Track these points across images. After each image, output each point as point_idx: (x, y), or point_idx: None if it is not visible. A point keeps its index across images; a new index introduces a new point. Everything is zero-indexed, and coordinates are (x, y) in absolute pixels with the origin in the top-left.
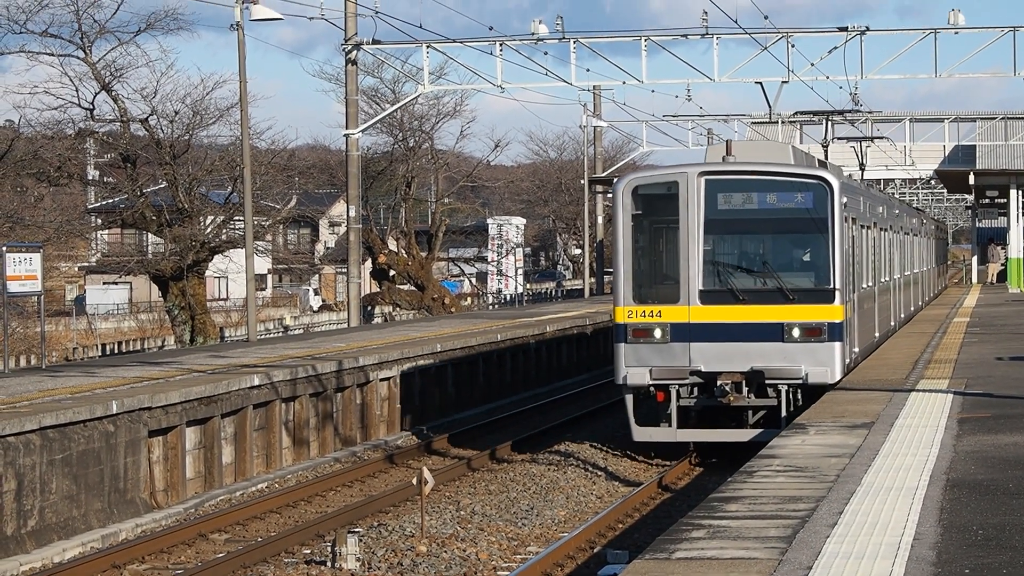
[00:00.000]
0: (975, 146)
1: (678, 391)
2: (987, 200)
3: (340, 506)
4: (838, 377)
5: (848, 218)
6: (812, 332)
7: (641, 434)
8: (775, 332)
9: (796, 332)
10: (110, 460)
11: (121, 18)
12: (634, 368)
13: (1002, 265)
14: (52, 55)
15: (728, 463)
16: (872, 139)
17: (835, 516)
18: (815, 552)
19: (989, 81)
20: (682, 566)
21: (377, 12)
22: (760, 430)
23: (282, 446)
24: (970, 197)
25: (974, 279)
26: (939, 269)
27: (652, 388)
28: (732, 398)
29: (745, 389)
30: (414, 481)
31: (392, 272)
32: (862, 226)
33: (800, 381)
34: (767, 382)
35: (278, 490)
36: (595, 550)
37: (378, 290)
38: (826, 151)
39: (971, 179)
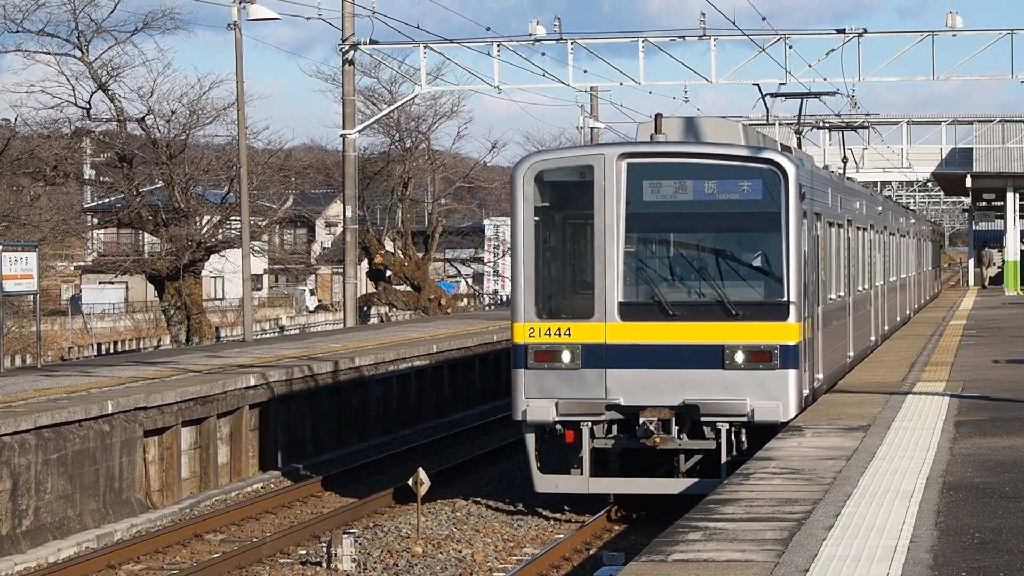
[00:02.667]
0: (972, 149)
1: (592, 430)
2: (984, 203)
3: (336, 507)
4: (792, 414)
5: (810, 213)
6: (760, 356)
7: (545, 483)
8: (714, 357)
9: (740, 357)
10: (105, 460)
11: (118, 17)
12: (536, 401)
13: (998, 268)
14: (49, 54)
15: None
16: (854, 128)
17: (831, 519)
18: (811, 555)
19: (990, 83)
20: (678, 568)
21: (374, 12)
22: (695, 480)
23: (278, 446)
24: (967, 200)
25: (971, 282)
26: (933, 273)
27: (559, 426)
28: (658, 439)
29: (675, 428)
30: (410, 482)
31: (388, 273)
32: (831, 224)
33: (744, 418)
34: (703, 420)
35: (273, 490)
36: (591, 552)
37: (374, 291)
38: (799, 138)
39: (968, 182)
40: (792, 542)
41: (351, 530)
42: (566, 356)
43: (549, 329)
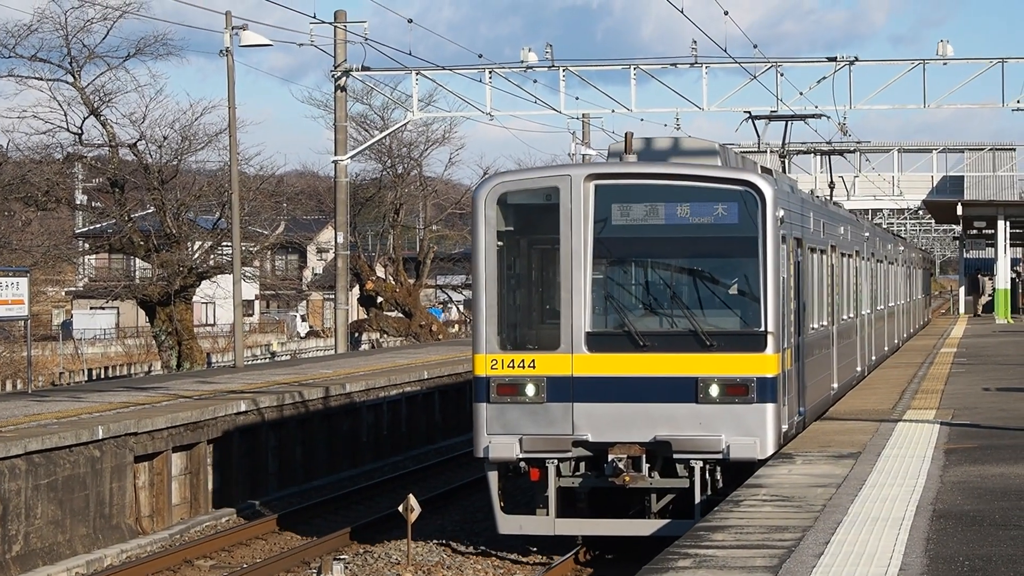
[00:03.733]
0: (963, 177)
1: (558, 468)
2: (975, 231)
3: (326, 532)
4: (770, 451)
5: (790, 238)
6: (736, 390)
7: (509, 524)
8: (687, 390)
9: (715, 390)
10: (96, 485)
11: (110, 43)
12: (499, 437)
13: (989, 296)
14: (41, 79)
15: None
16: (841, 152)
17: (821, 546)
18: None
19: (983, 112)
20: None
21: (367, 39)
22: (667, 521)
23: (269, 472)
24: (958, 228)
25: (961, 310)
26: (924, 300)
27: (523, 464)
28: (628, 478)
29: (646, 466)
30: (400, 508)
31: (380, 299)
32: (813, 249)
33: (719, 456)
34: (675, 457)
35: (263, 516)
36: (591, 571)
37: (365, 317)
38: (784, 162)
39: (959, 210)
40: (782, 570)
41: (341, 556)
42: (530, 389)
43: (512, 361)
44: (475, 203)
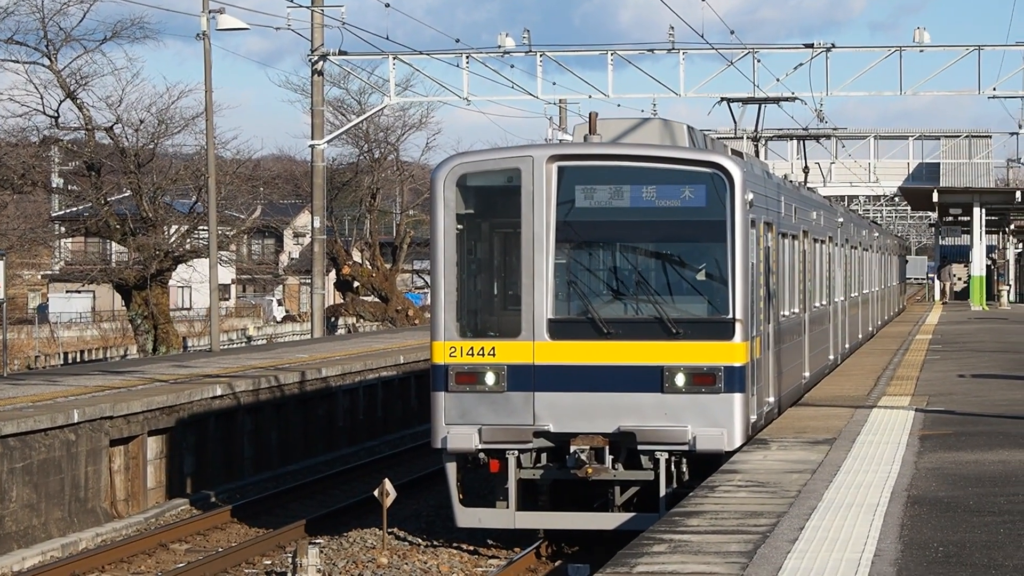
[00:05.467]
0: (939, 163)
1: (518, 459)
2: (951, 218)
3: (302, 517)
4: (738, 443)
5: (760, 222)
6: (703, 379)
7: (467, 517)
8: (652, 379)
9: (681, 379)
10: (71, 469)
11: (87, 26)
12: (457, 427)
13: (964, 283)
14: (17, 62)
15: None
16: (815, 137)
17: (796, 532)
18: (776, 567)
19: (961, 99)
20: None
21: (344, 23)
22: (631, 514)
23: (244, 456)
24: (934, 215)
25: (936, 296)
26: (899, 287)
27: (482, 455)
28: (591, 470)
29: (610, 458)
30: (376, 493)
31: (356, 284)
32: (784, 235)
33: (685, 447)
34: (640, 448)
35: (239, 500)
36: (556, 563)
37: (342, 301)
38: (757, 146)
39: (935, 197)
40: (756, 555)
41: (316, 540)
42: (490, 378)
43: (472, 348)
44: (433, 184)
